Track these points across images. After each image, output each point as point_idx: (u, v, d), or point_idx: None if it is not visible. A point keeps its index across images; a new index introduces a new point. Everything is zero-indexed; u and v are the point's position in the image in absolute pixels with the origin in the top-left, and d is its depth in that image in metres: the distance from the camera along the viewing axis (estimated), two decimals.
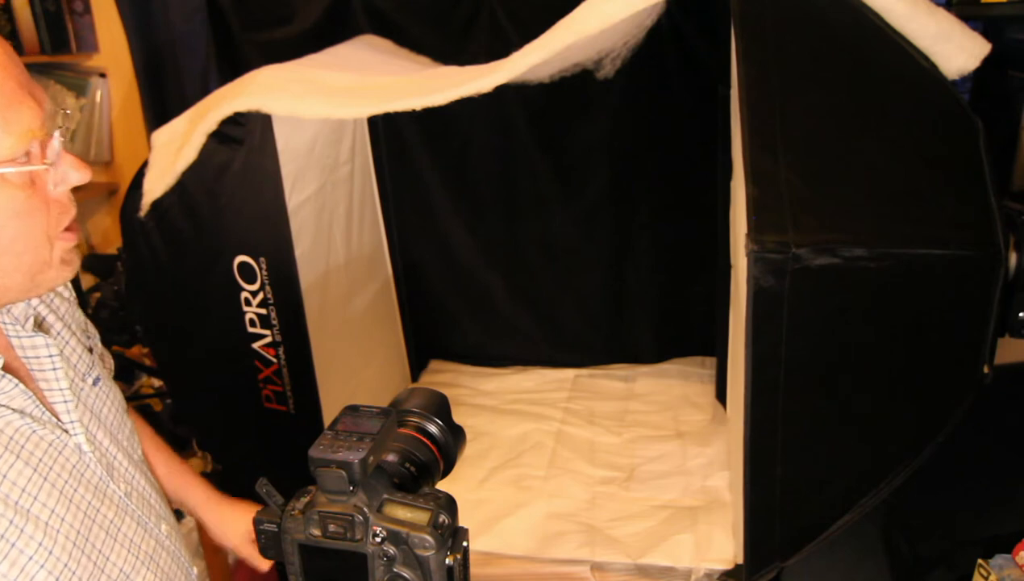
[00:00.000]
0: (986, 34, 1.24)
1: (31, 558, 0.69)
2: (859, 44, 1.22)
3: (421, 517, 0.64)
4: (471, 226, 2.27)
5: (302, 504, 0.66)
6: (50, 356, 0.78)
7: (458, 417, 0.79)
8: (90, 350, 0.89)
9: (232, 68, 2.09)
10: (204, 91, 2.01)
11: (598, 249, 2.25)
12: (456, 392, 2.29)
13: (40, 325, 0.81)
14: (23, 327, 0.78)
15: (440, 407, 0.79)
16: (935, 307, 1.09)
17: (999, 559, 1.37)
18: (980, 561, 1.38)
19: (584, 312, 2.36)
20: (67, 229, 0.73)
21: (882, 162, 1.12)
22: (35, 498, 0.71)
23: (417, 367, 2.42)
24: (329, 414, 1.46)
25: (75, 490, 0.76)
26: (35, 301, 0.81)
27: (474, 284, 2.35)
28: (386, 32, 2.04)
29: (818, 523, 1.20)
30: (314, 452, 0.64)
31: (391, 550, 0.64)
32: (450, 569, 0.64)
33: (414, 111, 1.41)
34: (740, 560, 1.49)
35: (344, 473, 0.63)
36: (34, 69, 2.41)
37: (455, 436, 0.78)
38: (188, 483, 1.09)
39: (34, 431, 0.74)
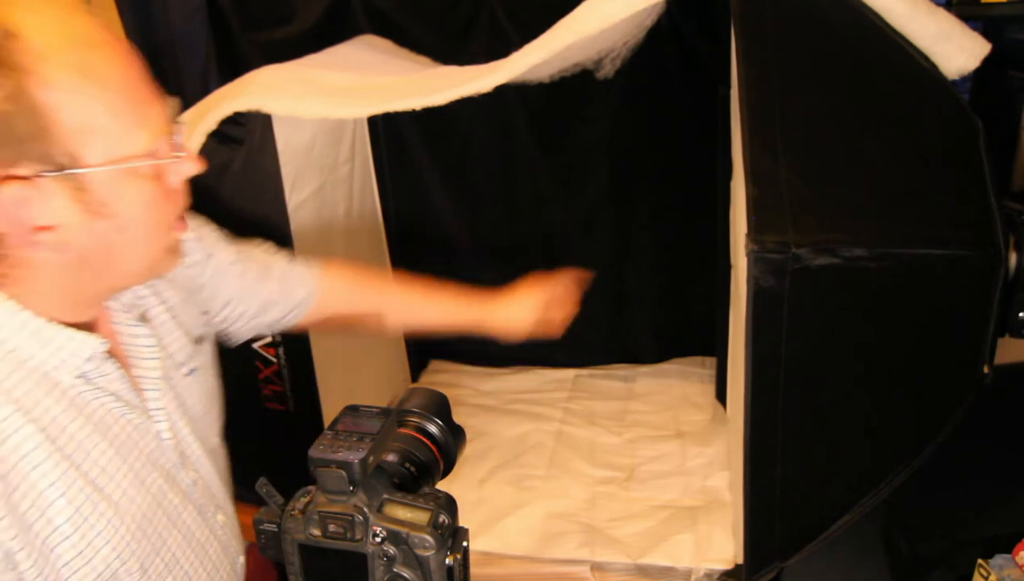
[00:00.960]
0: (986, 34, 1.24)
1: (99, 533, 0.73)
2: (859, 44, 1.22)
3: (421, 517, 0.64)
4: (471, 226, 2.27)
5: (302, 504, 0.66)
6: (148, 346, 0.83)
7: (458, 417, 0.79)
8: (197, 341, 0.94)
9: (232, 68, 2.09)
10: (204, 91, 2.01)
11: (598, 249, 2.25)
12: (456, 392, 2.29)
13: (143, 316, 0.86)
14: (128, 315, 0.83)
15: (440, 407, 0.79)
16: (935, 307, 1.09)
17: (999, 559, 1.37)
18: (980, 561, 1.38)
19: (584, 312, 2.34)
20: (180, 219, 0.79)
21: (882, 162, 1.12)
22: (111, 478, 0.75)
23: (417, 367, 2.42)
24: (329, 414, 1.46)
25: (148, 474, 0.80)
26: (145, 291, 0.87)
27: (474, 284, 2.34)
28: (386, 32, 2.04)
29: (818, 523, 1.20)
30: (314, 452, 0.64)
31: (391, 550, 0.64)
32: (450, 569, 0.64)
33: (414, 111, 1.41)
34: (740, 560, 1.49)
35: (344, 473, 0.63)
36: None
37: (455, 436, 0.78)
38: (444, 304, 1.19)
39: (123, 414, 0.78)
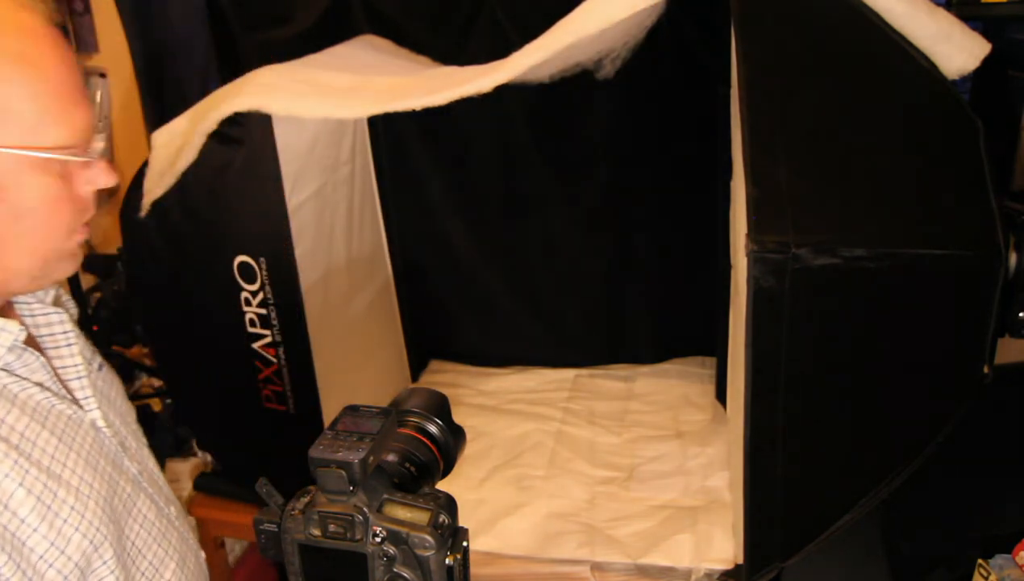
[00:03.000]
0: (986, 34, 1.24)
1: (66, 521, 0.72)
2: (859, 44, 1.22)
3: (421, 517, 0.64)
4: (471, 226, 2.27)
5: (302, 504, 0.66)
6: (65, 333, 0.81)
7: (458, 417, 0.79)
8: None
9: (232, 68, 2.09)
10: (204, 91, 2.01)
11: (598, 249, 2.25)
12: (456, 392, 2.29)
13: (57, 300, 0.83)
14: (43, 303, 0.81)
15: (440, 407, 0.79)
16: (935, 307, 1.09)
17: (999, 559, 1.37)
18: (980, 561, 1.38)
19: (584, 312, 2.35)
20: (84, 225, 0.77)
21: (882, 162, 1.12)
22: (64, 465, 0.74)
23: (417, 367, 2.42)
24: (329, 414, 1.46)
25: (97, 461, 0.79)
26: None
27: (474, 284, 2.34)
28: (386, 32, 2.04)
29: (818, 523, 1.20)
30: (314, 452, 0.64)
31: (391, 550, 0.64)
32: (450, 569, 0.64)
33: (414, 111, 1.41)
34: (740, 560, 1.49)
35: (344, 473, 0.63)
36: None
37: (455, 436, 0.78)
38: None
39: (53, 405, 0.77)
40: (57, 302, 0.83)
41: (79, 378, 0.81)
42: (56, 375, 0.79)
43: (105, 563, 0.75)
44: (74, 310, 0.93)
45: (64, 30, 2.17)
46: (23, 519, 0.69)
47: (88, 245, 2.59)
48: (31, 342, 0.79)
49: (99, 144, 0.75)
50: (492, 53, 1.59)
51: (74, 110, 0.71)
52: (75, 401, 0.80)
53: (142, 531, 0.83)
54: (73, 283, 1.95)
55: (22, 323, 0.78)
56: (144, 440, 0.94)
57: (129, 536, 0.80)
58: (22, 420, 0.72)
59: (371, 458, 0.64)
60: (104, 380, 0.88)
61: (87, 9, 2.35)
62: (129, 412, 0.92)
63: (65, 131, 0.70)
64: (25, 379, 0.75)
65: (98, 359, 0.89)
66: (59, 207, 0.73)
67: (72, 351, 0.81)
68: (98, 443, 0.80)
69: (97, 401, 0.82)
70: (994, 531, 1.42)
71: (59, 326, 0.81)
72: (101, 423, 0.82)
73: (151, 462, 0.91)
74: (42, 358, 0.77)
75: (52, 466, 0.72)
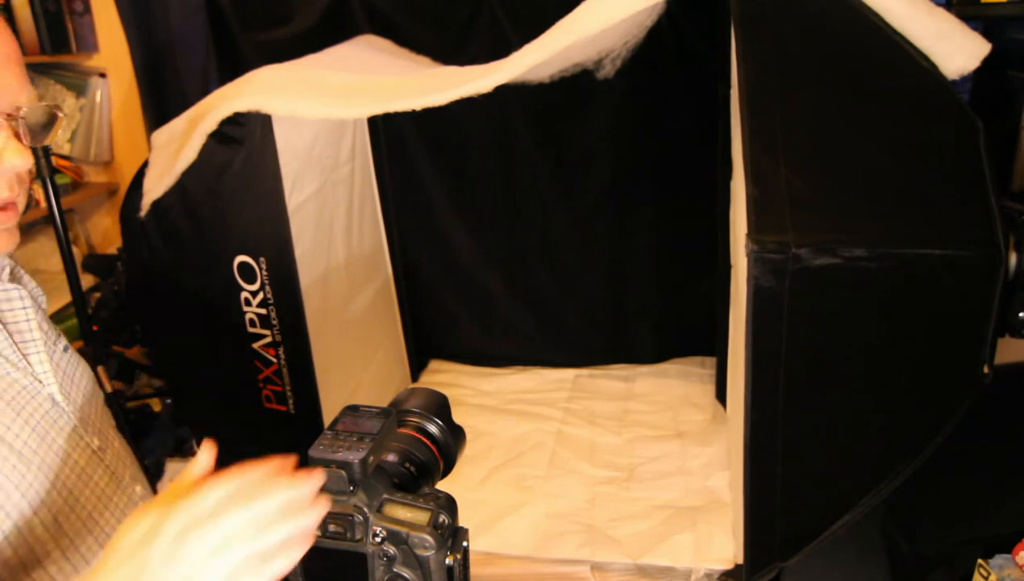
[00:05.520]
0: (986, 34, 1.24)
1: (7, 477, 0.71)
2: (859, 44, 1.22)
3: (421, 517, 0.64)
4: (471, 226, 2.27)
5: None
6: (24, 308, 0.81)
7: (458, 417, 0.79)
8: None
9: (232, 68, 2.09)
10: (204, 91, 2.01)
11: (598, 249, 2.25)
12: (456, 392, 2.29)
13: (13, 275, 0.83)
14: (0, 280, 0.80)
15: (440, 407, 0.79)
16: (935, 307, 1.09)
17: (999, 559, 1.37)
18: (980, 561, 1.38)
19: (584, 312, 2.36)
20: (1, 209, 0.75)
21: (882, 162, 1.12)
22: (9, 428, 0.73)
23: (417, 367, 2.42)
24: (329, 414, 1.46)
25: (48, 431, 0.78)
26: (6, 262, 0.83)
27: (474, 284, 2.35)
28: (386, 32, 2.04)
29: (818, 523, 1.20)
30: (314, 452, 0.64)
31: (391, 550, 0.64)
32: (450, 569, 0.64)
33: (414, 111, 1.41)
34: (740, 560, 1.49)
35: (344, 473, 0.63)
36: (34, 69, 2.41)
37: (455, 436, 0.78)
38: None
39: (8, 373, 0.77)
40: (14, 278, 0.83)
41: (37, 353, 0.81)
42: (17, 348, 0.79)
43: (46, 528, 0.75)
44: (39, 294, 0.93)
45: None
46: None
47: (88, 245, 2.60)
48: None
49: (20, 125, 0.72)
50: (492, 53, 1.59)
51: None
52: (33, 373, 0.80)
53: (98, 503, 0.82)
54: (73, 283, 1.95)
55: None
56: (112, 422, 0.93)
57: (84, 505, 0.79)
58: None
59: (371, 458, 0.64)
60: (69, 361, 0.88)
61: (87, 9, 2.35)
62: (95, 394, 0.91)
63: None
64: None
65: (63, 342, 0.89)
66: None
67: (31, 326, 0.81)
68: (53, 416, 0.80)
69: (57, 377, 0.82)
70: (994, 531, 1.42)
71: (18, 301, 0.81)
72: (59, 397, 0.81)
73: (118, 442, 0.91)
74: (4, 331, 0.77)
75: None
